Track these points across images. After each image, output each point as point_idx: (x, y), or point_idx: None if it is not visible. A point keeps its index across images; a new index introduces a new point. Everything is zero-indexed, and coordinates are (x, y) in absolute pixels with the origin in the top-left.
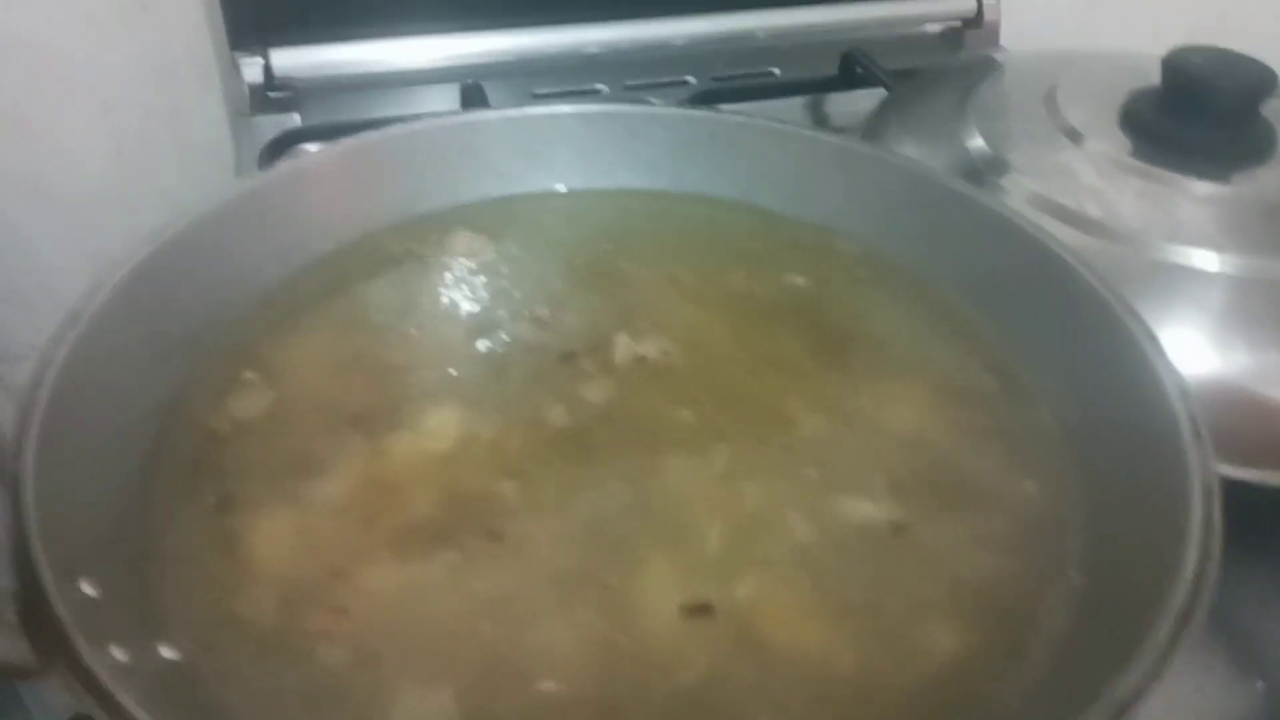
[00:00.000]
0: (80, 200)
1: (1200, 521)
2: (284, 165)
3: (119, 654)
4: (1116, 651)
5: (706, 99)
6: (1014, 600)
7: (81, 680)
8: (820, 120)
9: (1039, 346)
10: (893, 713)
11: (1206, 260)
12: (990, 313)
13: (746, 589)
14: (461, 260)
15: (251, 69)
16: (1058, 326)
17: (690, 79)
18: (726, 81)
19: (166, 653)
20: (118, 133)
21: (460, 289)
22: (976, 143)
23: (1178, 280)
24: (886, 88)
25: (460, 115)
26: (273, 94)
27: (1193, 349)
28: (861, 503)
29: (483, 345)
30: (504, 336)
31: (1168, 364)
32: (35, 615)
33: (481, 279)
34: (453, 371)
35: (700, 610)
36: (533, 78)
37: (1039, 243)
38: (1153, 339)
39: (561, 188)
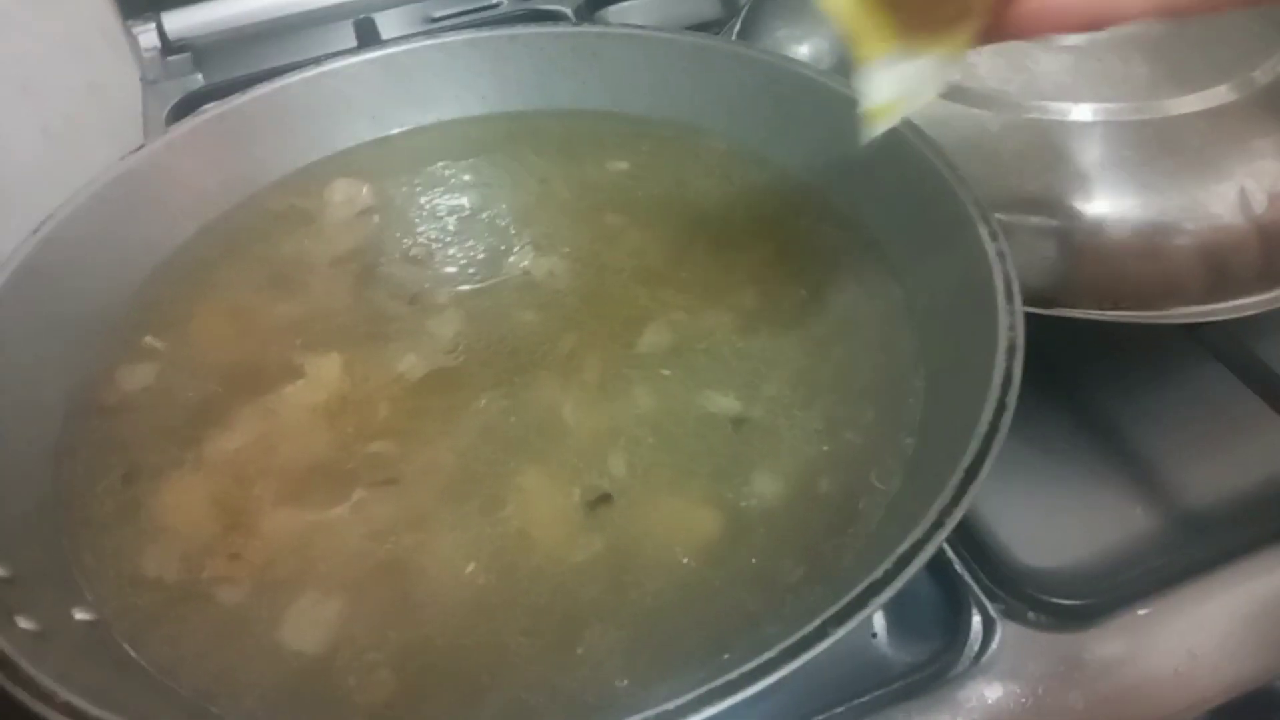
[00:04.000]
0: (16, 182)
1: (1000, 379)
2: (152, 144)
3: (27, 624)
4: (925, 507)
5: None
6: (854, 467)
7: None
8: (729, 3)
9: (894, 225)
10: (748, 567)
11: (1079, 112)
12: (849, 195)
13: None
14: (342, 208)
15: (147, 35)
16: (905, 203)
17: None
18: None
19: (81, 615)
20: (42, 113)
21: (342, 237)
22: None
23: (1045, 134)
24: None
25: (320, 66)
26: (172, 58)
27: (1070, 198)
28: (716, 395)
29: (363, 291)
30: (382, 279)
31: (992, 227)
32: None
33: (362, 224)
34: (335, 321)
35: (601, 500)
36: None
37: None
38: (978, 205)
39: (435, 120)
